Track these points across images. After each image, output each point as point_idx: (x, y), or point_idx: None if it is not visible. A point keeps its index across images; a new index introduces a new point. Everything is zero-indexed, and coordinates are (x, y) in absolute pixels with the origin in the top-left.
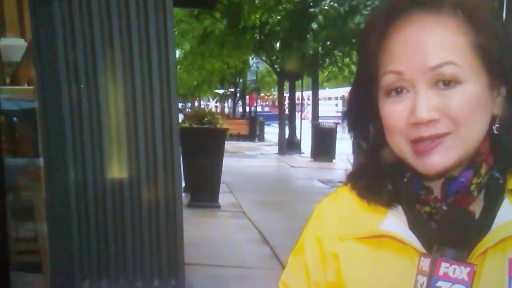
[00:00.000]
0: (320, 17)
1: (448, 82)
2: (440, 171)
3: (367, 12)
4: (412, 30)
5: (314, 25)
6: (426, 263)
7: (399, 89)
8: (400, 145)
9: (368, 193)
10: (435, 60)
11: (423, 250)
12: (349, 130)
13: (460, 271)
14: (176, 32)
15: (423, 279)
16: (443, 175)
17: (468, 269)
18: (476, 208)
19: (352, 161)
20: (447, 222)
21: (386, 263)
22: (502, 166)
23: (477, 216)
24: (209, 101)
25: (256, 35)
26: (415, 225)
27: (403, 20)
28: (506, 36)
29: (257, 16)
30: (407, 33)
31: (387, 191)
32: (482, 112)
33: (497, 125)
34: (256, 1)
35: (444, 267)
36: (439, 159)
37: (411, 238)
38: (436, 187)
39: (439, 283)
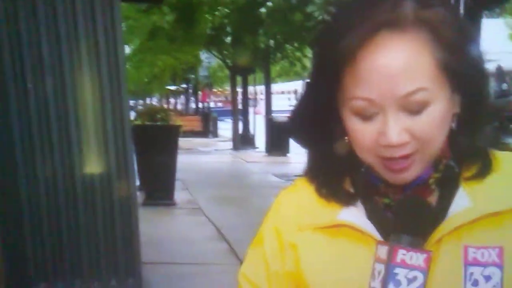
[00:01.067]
0: (269, 3)
1: (417, 107)
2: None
3: (320, 1)
4: (380, 55)
5: (263, 10)
6: (383, 251)
7: (367, 111)
8: (370, 158)
9: (325, 190)
10: (405, 88)
11: (380, 238)
12: (303, 128)
13: (417, 258)
14: (124, 29)
15: (380, 267)
16: None
17: (425, 255)
18: (433, 198)
19: (307, 156)
20: (403, 210)
21: (345, 252)
22: (458, 156)
23: (433, 204)
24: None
25: (207, 30)
26: (372, 214)
27: (370, 43)
28: (468, 47)
29: (206, 10)
30: (375, 59)
31: (344, 189)
32: (446, 123)
33: (455, 121)
34: None
35: (401, 254)
36: (408, 175)
37: (369, 227)
38: None
39: (397, 270)
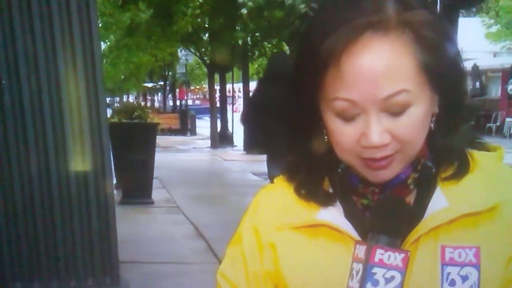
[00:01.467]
0: (249, 3)
1: (399, 108)
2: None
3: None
4: (363, 57)
5: (244, 11)
6: (361, 250)
7: (348, 112)
8: (350, 159)
9: (304, 190)
10: (388, 90)
11: (358, 238)
12: (282, 127)
13: (395, 258)
14: (100, 25)
15: (358, 266)
16: None
17: (402, 255)
18: (411, 198)
19: (287, 155)
20: (381, 210)
21: (323, 251)
22: (436, 157)
23: (410, 205)
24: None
25: (186, 26)
26: (350, 214)
27: (353, 44)
28: (447, 48)
29: (183, 8)
30: (358, 61)
31: (323, 189)
32: (426, 124)
33: (434, 121)
34: None
35: (379, 254)
36: (388, 173)
37: (347, 227)
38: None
39: (375, 270)
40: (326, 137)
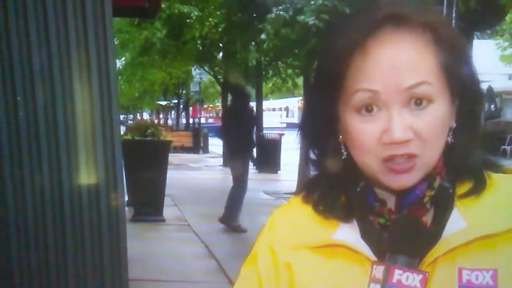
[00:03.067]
0: (269, 27)
1: (420, 102)
2: (406, 188)
3: (311, 9)
4: (386, 49)
5: (264, 36)
6: (379, 270)
7: (369, 107)
8: (370, 162)
9: (322, 206)
10: (411, 80)
11: (374, 258)
12: (304, 141)
13: (413, 278)
14: (116, 42)
15: (376, 287)
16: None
17: (421, 276)
18: (428, 218)
19: (300, 171)
20: (398, 230)
21: (339, 272)
22: (452, 175)
23: (428, 225)
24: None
25: (198, 45)
26: (367, 234)
27: (376, 37)
28: (466, 53)
29: (196, 26)
30: (381, 52)
31: (341, 205)
32: (445, 130)
33: (451, 136)
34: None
35: (398, 274)
36: (409, 179)
37: (363, 247)
38: (390, 199)
39: None
40: (344, 152)
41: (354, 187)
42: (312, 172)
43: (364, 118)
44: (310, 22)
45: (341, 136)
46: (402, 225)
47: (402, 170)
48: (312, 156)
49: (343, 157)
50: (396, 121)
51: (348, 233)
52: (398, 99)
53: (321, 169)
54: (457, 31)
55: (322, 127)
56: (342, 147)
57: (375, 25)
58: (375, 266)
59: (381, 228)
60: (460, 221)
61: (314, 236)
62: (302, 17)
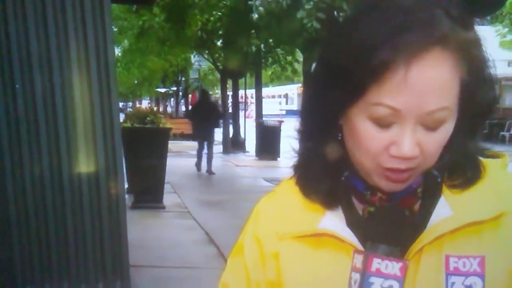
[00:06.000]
0: (260, 8)
1: (435, 125)
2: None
3: (310, 7)
4: (427, 72)
5: (255, 15)
6: (359, 259)
7: (386, 122)
8: (368, 164)
9: (308, 190)
10: (433, 105)
11: (360, 247)
12: (302, 129)
13: (392, 267)
14: (114, 29)
15: (356, 276)
16: None
17: (400, 264)
18: (417, 206)
19: (296, 156)
20: (379, 218)
21: (325, 261)
22: (443, 165)
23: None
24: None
25: (198, 32)
26: (352, 222)
27: (422, 59)
28: (487, 68)
29: (197, 12)
30: (421, 76)
31: (327, 192)
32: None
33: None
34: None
35: (376, 263)
36: (402, 186)
37: (349, 235)
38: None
39: (372, 279)
40: (340, 138)
41: (339, 175)
42: (297, 157)
43: (376, 126)
44: (308, 24)
45: (340, 124)
46: (383, 214)
47: (398, 180)
48: (307, 143)
49: (338, 143)
50: (408, 137)
51: (333, 222)
52: (416, 118)
53: (312, 155)
54: (483, 47)
55: (325, 116)
56: (338, 133)
57: (424, 49)
58: (356, 255)
59: (370, 217)
60: (447, 209)
61: (300, 225)
62: (301, 12)
